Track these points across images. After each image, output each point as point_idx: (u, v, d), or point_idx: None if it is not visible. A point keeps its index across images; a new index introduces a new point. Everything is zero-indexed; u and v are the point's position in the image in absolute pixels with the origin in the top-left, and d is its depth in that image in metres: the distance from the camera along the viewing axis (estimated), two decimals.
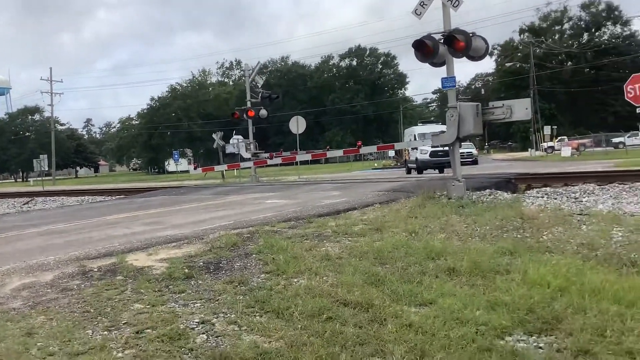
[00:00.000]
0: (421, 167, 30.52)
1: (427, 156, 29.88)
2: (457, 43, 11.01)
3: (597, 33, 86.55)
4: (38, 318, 4.49)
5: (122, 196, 21.64)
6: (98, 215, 12.53)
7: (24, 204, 22.83)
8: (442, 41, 11.22)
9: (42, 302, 4.93)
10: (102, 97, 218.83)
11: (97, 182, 54.80)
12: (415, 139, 31.22)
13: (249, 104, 25.52)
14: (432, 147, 27.66)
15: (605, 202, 10.31)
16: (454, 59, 11.51)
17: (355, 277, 5.27)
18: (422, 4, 11.38)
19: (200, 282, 5.46)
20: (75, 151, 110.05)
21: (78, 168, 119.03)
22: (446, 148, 25.36)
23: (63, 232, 9.65)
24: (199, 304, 4.77)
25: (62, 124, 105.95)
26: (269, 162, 21.80)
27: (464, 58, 11.52)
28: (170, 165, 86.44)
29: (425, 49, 11.23)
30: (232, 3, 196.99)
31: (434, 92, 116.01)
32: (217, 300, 4.88)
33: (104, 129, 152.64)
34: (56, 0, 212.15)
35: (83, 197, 23.07)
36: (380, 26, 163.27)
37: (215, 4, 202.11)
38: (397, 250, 6.28)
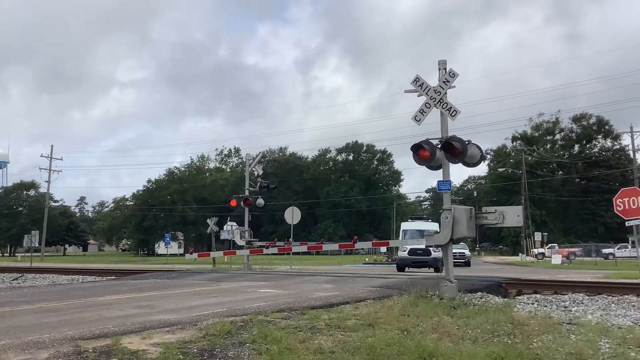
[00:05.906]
0: (400, 264, 30.03)
1: (405, 254, 29.55)
2: (454, 149, 11.52)
3: (587, 145, 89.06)
4: None
5: (113, 277, 21.57)
6: (90, 296, 12.52)
7: (14, 280, 22.66)
8: (439, 146, 11.73)
9: None
10: (101, 175, 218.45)
11: (86, 261, 54.22)
12: (403, 234, 31.05)
13: (247, 192, 25.93)
14: (412, 245, 27.59)
15: (594, 313, 10.44)
16: (450, 164, 11.99)
17: None
18: (421, 111, 12.00)
19: None
20: (66, 228, 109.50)
21: (67, 245, 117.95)
22: (424, 246, 25.71)
23: (56, 311, 9.66)
24: None
25: (55, 201, 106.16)
26: (265, 251, 21.88)
27: (459, 163, 12.00)
28: (160, 248, 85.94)
29: (423, 153, 11.70)
30: (244, 92, 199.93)
31: (427, 191, 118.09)
32: None
33: (97, 207, 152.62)
34: (73, 78, 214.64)
35: (74, 276, 22.96)
36: (386, 124, 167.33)
37: (228, 92, 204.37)
38: (389, 347, 6.36)
